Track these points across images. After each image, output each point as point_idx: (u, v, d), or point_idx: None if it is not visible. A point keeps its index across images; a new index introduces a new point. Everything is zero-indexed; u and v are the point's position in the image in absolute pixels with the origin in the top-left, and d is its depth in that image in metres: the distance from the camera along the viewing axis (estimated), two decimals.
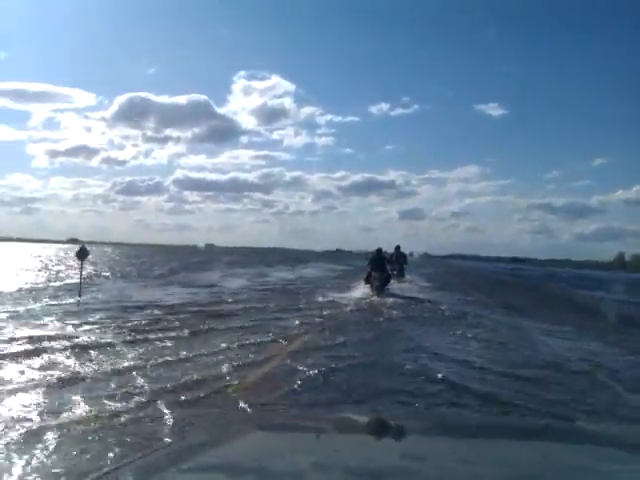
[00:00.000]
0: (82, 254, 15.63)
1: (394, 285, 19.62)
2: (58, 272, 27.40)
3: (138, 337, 8.53)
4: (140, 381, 5.79)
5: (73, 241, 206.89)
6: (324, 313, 12.65)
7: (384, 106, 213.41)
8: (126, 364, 6.60)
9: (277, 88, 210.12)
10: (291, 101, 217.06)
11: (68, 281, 20.40)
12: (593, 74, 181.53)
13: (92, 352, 7.20)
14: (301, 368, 6.67)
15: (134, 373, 6.16)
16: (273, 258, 62.22)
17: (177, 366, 6.65)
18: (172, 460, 1.50)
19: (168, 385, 5.66)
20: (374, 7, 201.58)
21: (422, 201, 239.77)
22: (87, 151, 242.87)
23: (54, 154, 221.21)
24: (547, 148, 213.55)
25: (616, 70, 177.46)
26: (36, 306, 12.28)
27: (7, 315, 10.52)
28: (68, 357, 6.90)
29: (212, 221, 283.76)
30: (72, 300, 13.87)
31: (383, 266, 18.59)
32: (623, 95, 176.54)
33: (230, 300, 15.25)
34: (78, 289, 14.94)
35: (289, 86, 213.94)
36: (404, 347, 8.62)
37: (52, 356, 6.91)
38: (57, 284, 19.43)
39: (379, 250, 19.09)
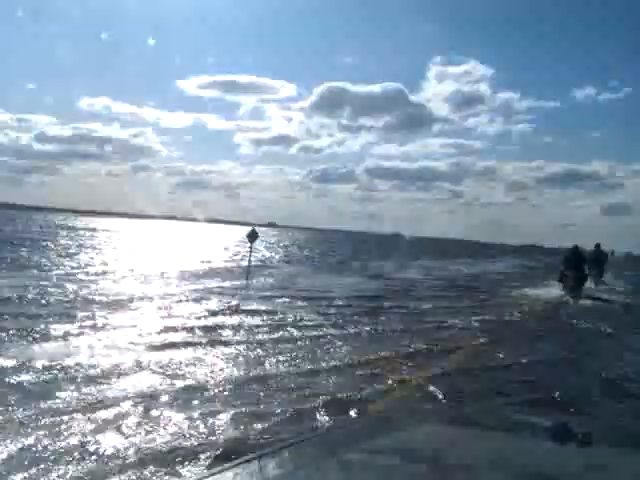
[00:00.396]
0: (252, 237, 15.71)
1: (590, 286, 18.38)
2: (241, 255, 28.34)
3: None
4: None
5: (272, 225, 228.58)
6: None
7: (590, 90, 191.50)
8: None
9: (473, 73, 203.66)
10: (487, 86, 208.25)
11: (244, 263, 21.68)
12: None
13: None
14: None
15: None
16: (457, 251, 59.91)
17: None
18: None
19: None
20: None
21: (630, 195, 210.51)
22: (287, 140, 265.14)
23: (258, 143, 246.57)
24: None
25: None
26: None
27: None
28: None
29: (400, 210, 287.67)
30: (238, 283, 15.30)
31: (579, 265, 17.57)
32: None
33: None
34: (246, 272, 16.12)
35: (486, 70, 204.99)
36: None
37: None
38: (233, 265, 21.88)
39: (575, 247, 18.07)
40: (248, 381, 5.67)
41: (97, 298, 10.59)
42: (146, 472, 3.47)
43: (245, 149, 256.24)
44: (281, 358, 6.71)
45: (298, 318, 9.71)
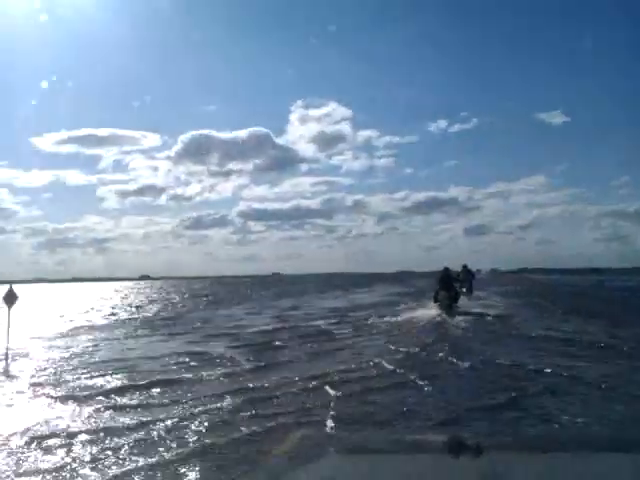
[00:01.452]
0: (9, 299, 11.38)
1: (463, 302, 19.55)
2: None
3: None
4: None
5: (145, 278, 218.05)
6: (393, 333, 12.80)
7: (442, 123, 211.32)
8: None
9: (334, 114, 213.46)
10: (348, 126, 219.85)
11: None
12: None
13: None
14: None
15: None
16: (328, 284, 59.45)
17: None
18: None
19: None
20: (424, 28, 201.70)
21: (487, 216, 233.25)
22: (155, 190, 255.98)
23: (124, 195, 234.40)
24: (614, 153, 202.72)
25: None
26: None
27: None
28: None
29: (277, 250, 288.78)
30: None
31: (451, 284, 18.60)
32: None
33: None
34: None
35: (345, 111, 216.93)
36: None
37: None
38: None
39: (446, 269, 19.14)
40: None
41: None
42: None
43: (110, 202, 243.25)
44: None
45: None
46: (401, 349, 10.65)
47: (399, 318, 16.95)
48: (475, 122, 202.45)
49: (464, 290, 20.37)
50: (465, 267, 22.81)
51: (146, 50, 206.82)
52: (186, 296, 46.25)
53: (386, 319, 16.91)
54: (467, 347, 10.74)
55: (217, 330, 16.15)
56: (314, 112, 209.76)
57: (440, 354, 9.87)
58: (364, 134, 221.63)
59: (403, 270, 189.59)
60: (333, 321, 17.49)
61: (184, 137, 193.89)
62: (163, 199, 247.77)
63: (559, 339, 11.60)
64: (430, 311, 17.84)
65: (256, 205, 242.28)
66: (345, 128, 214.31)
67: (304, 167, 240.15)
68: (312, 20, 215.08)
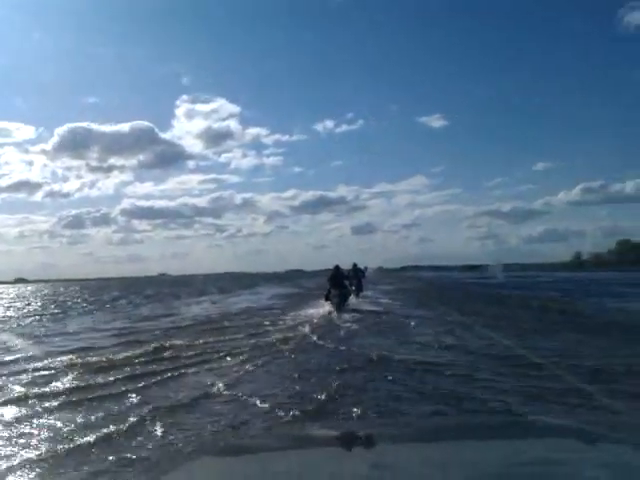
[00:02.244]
0: None
1: (353, 300, 20.11)
2: None
3: None
4: None
5: (20, 280, 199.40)
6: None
7: (329, 123, 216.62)
8: None
9: (221, 111, 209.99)
10: (236, 123, 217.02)
11: None
12: (525, 81, 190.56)
13: None
14: None
15: None
16: (212, 285, 55.34)
17: None
18: None
19: None
20: (314, 25, 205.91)
21: (373, 215, 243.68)
22: (29, 186, 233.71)
23: None
24: (490, 156, 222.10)
25: (549, 77, 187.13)
26: None
27: None
28: None
29: (164, 249, 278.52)
30: None
31: (342, 282, 18.98)
32: (558, 100, 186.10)
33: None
34: None
35: (233, 108, 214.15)
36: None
37: None
38: None
39: (336, 267, 19.48)
40: None
41: None
42: None
43: None
44: None
45: None
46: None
47: (287, 318, 16.51)
48: (361, 123, 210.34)
49: (353, 288, 20.92)
50: (355, 266, 23.43)
51: (23, 36, 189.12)
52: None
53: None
54: (345, 337, 11.83)
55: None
56: (201, 107, 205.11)
57: (320, 341, 11.06)
58: (253, 132, 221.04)
59: (293, 269, 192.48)
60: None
61: (61, 129, 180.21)
62: (39, 196, 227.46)
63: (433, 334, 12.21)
64: (320, 310, 18.06)
65: (141, 203, 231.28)
66: (234, 125, 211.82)
67: (191, 164, 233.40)
68: (201, 15, 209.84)
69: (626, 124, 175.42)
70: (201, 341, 11.56)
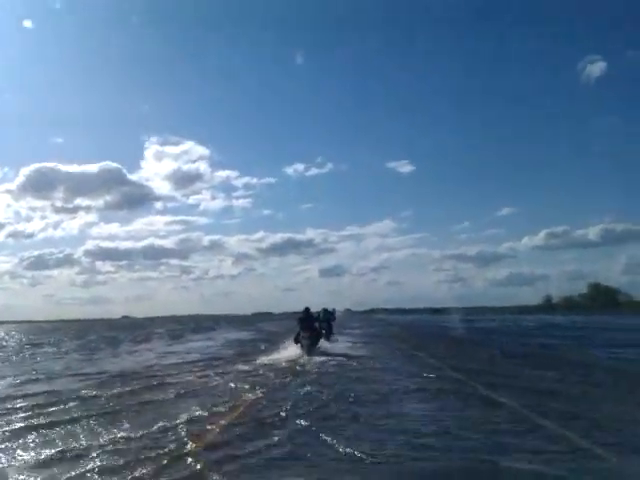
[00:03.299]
0: None
1: (324, 344, 19.40)
2: None
3: None
4: None
5: None
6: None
7: (299, 166, 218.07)
8: None
9: (191, 153, 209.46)
10: (206, 165, 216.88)
11: None
12: (491, 127, 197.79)
13: None
14: None
15: None
16: (172, 328, 53.51)
17: None
18: None
19: None
20: (283, 69, 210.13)
21: (342, 257, 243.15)
22: None
23: None
24: (456, 201, 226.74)
25: (514, 125, 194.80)
26: None
27: None
28: None
29: (128, 291, 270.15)
30: None
31: (312, 325, 18.30)
32: (523, 147, 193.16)
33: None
34: None
35: (203, 150, 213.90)
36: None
37: None
38: None
39: (307, 309, 18.81)
40: None
41: None
42: None
43: None
44: None
45: None
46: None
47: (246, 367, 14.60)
48: (330, 167, 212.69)
49: (323, 332, 20.24)
50: (325, 309, 23.16)
51: None
52: None
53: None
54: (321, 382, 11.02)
55: None
56: (170, 149, 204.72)
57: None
58: (222, 174, 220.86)
59: (261, 311, 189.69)
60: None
61: (27, 169, 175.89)
62: (1, 236, 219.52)
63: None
64: (290, 353, 17.29)
65: (105, 244, 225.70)
66: (203, 167, 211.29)
67: (159, 205, 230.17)
68: (171, 57, 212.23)
69: (589, 171, 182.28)
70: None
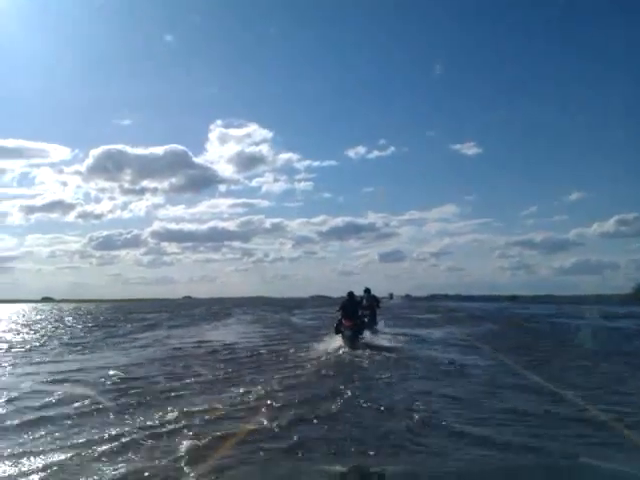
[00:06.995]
0: None
1: (367, 334, 17.00)
2: None
3: None
4: None
5: (47, 300, 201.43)
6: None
7: (361, 149, 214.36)
8: None
9: (254, 135, 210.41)
10: (268, 148, 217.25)
11: None
12: (563, 107, 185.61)
13: None
14: None
15: None
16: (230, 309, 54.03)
17: None
18: None
19: None
20: (344, 56, 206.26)
21: (402, 242, 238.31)
22: (63, 206, 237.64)
23: (29, 210, 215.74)
24: (523, 185, 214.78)
25: (587, 106, 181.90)
26: None
27: None
28: None
29: (192, 272, 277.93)
30: None
31: (355, 312, 16.06)
32: (595, 130, 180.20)
33: None
34: None
35: (266, 133, 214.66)
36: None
37: None
38: None
39: (350, 294, 16.61)
40: None
41: None
42: None
43: (14, 218, 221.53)
44: None
45: None
46: None
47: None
48: (392, 150, 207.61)
49: (366, 320, 17.60)
50: (368, 292, 19.45)
51: (58, 59, 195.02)
52: None
53: None
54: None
55: None
56: (234, 132, 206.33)
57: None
58: (285, 157, 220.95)
59: (319, 295, 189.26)
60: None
61: (95, 151, 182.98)
62: (72, 216, 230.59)
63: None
64: (329, 345, 15.27)
65: (171, 225, 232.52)
66: (265, 150, 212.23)
67: (222, 188, 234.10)
68: (236, 41, 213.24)
69: None
70: None
